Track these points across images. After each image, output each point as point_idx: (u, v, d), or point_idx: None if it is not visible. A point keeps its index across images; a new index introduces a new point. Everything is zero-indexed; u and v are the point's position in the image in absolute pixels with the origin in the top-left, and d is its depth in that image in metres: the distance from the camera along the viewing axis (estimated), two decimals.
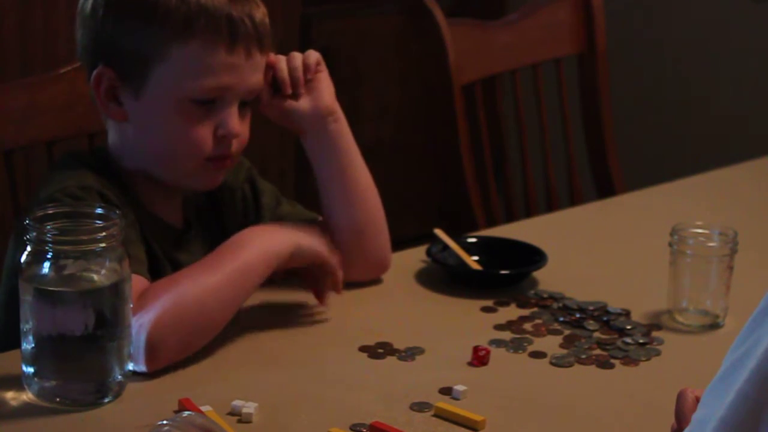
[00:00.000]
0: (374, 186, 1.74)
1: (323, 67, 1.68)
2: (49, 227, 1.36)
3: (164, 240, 1.64)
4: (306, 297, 1.72)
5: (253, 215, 1.74)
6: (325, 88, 1.67)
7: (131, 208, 1.59)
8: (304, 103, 1.66)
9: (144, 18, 1.56)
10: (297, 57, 1.66)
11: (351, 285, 1.74)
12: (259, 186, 1.76)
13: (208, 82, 1.56)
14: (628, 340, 1.61)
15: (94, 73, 1.59)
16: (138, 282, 1.48)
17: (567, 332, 1.63)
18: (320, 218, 1.74)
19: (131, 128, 1.61)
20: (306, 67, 1.66)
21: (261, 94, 1.64)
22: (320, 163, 1.70)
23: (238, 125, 1.60)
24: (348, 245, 1.70)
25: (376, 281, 1.76)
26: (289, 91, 1.65)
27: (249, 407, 1.37)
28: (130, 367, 1.41)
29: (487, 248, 1.84)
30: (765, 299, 0.97)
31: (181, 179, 1.63)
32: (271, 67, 1.64)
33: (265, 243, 1.57)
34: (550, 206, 2.44)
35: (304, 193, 2.77)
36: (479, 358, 1.53)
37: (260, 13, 1.60)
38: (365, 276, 1.75)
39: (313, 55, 1.67)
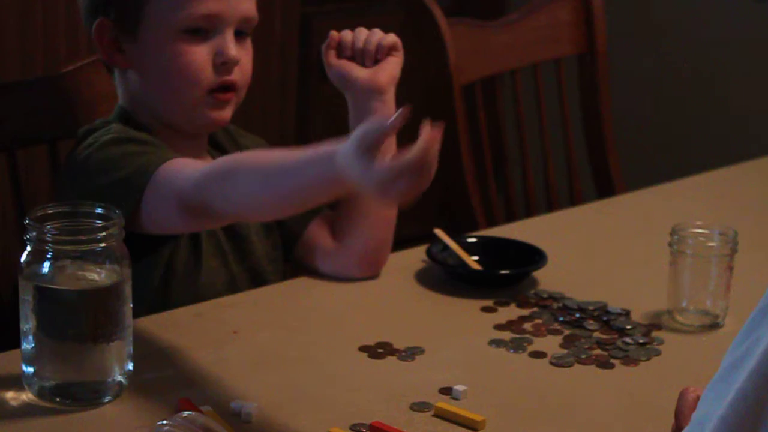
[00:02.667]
0: None
1: (398, 53, 1.71)
2: (49, 227, 1.36)
3: None
4: (305, 297, 1.72)
5: None
6: (388, 69, 1.70)
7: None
8: (360, 73, 1.70)
9: None
10: (375, 33, 1.70)
11: (351, 284, 1.74)
12: None
13: (197, 8, 1.62)
14: (628, 340, 1.61)
15: (94, 25, 1.66)
16: (185, 163, 1.54)
17: (567, 332, 1.63)
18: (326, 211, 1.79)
19: (135, 74, 1.67)
20: (378, 46, 1.69)
21: (326, 56, 1.70)
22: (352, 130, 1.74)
23: (234, 50, 1.65)
24: (349, 224, 1.74)
25: (375, 280, 1.76)
26: (356, 60, 1.71)
27: (249, 407, 1.37)
28: (130, 366, 1.41)
29: (487, 248, 1.84)
30: (764, 299, 0.97)
31: (187, 116, 1.67)
32: (346, 40, 1.70)
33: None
34: (550, 206, 2.44)
35: None
36: None
37: None
38: (357, 267, 1.75)
39: (390, 38, 1.70)
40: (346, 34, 1.70)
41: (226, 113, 1.67)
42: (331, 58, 1.71)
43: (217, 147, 1.76)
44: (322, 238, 1.77)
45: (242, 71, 1.67)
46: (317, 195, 1.43)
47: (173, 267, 1.66)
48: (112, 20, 1.66)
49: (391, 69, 1.70)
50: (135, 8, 1.64)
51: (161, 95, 1.66)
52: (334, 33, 1.71)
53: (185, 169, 1.53)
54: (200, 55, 1.63)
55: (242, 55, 1.67)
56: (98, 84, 1.83)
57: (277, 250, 1.79)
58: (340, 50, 1.71)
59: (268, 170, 1.43)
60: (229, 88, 1.66)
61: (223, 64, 1.64)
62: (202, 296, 1.67)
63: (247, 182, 1.44)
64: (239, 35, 1.66)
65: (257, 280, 1.75)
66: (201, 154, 1.72)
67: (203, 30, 1.64)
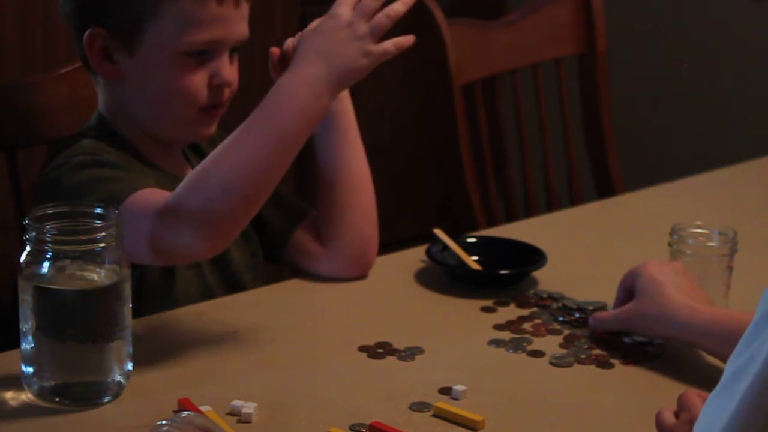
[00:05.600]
0: (369, 176, 1.76)
1: None
2: (48, 227, 1.36)
3: None
4: (305, 297, 1.72)
5: None
6: None
7: (137, 166, 1.63)
8: None
9: None
10: None
11: (350, 284, 1.74)
12: None
13: (201, 35, 1.61)
14: (628, 340, 1.61)
15: (87, 34, 1.63)
16: (156, 191, 1.53)
17: (567, 332, 1.63)
18: (314, 212, 1.78)
19: (126, 86, 1.65)
20: None
21: (274, 74, 1.67)
22: (316, 136, 1.74)
23: (230, 74, 1.65)
24: (331, 225, 1.73)
25: (375, 281, 1.76)
26: None
27: (249, 407, 1.37)
28: (130, 366, 1.41)
29: (487, 248, 1.84)
30: (762, 306, 0.96)
31: (177, 131, 1.67)
32: (288, 48, 1.68)
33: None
34: (550, 206, 2.44)
35: (303, 192, 2.77)
36: None
37: None
38: (346, 267, 1.75)
39: None
40: (286, 43, 1.68)
41: (213, 128, 1.68)
42: (278, 74, 1.67)
43: (196, 150, 1.75)
44: (309, 242, 1.77)
45: (231, 90, 1.67)
46: (302, 120, 1.50)
47: (146, 277, 1.65)
48: (107, 31, 1.63)
49: None
50: (135, 24, 1.61)
51: (152, 110, 1.65)
52: (273, 49, 1.69)
53: (158, 192, 1.52)
54: (198, 77, 1.63)
55: (233, 75, 1.66)
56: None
57: (256, 257, 1.78)
58: (286, 61, 1.68)
59: (244, 135, 1.48)
60: (219, 105, 1.66)
61: (218, 86, 1.64)
62: (176, 306, 1.66)
63: (231, 157, 1.47)
64: (231, 51, 1.66)
65: (235, 288, 1.75)
66: (176, 158, 1.72)
67: (203, 52, 1.63)
